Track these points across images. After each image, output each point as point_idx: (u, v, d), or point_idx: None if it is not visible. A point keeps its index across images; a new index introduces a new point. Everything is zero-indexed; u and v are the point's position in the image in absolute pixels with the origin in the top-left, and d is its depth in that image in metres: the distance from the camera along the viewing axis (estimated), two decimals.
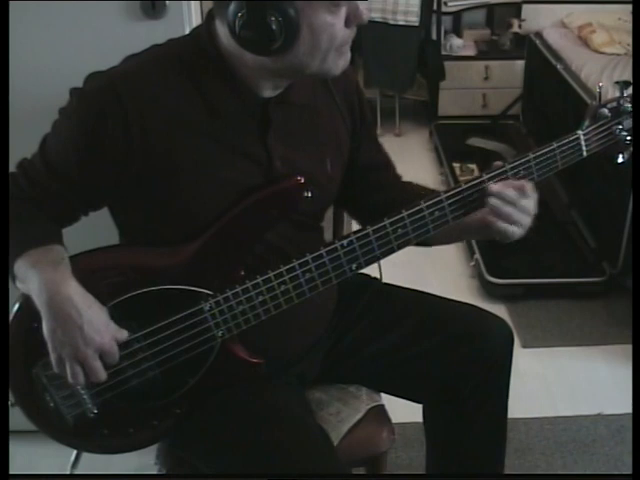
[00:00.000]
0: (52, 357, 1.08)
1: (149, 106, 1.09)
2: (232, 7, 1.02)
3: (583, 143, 1.22)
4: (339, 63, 1.11)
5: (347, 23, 1.07)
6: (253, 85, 1.12)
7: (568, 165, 1.22)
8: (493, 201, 1.15)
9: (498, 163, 1.19)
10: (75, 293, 1.06)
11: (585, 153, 1.23)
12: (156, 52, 1.14)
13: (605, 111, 1.23)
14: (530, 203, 1.18)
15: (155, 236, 1.17)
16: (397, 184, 1.41)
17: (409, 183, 1.41)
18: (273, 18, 1.00)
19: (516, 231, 1.18)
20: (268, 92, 1.14)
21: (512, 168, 1.18)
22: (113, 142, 1.08)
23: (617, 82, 1.26)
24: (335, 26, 1.05)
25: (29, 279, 1.08)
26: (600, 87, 1.28)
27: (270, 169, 1.16)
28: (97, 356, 1.08)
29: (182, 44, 1.15)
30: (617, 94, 1.25)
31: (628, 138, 1.24)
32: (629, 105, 1.23)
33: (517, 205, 1.16)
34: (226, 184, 1.13)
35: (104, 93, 1.09)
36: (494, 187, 1.16)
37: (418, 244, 1.22)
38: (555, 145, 1.20)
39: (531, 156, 1.19)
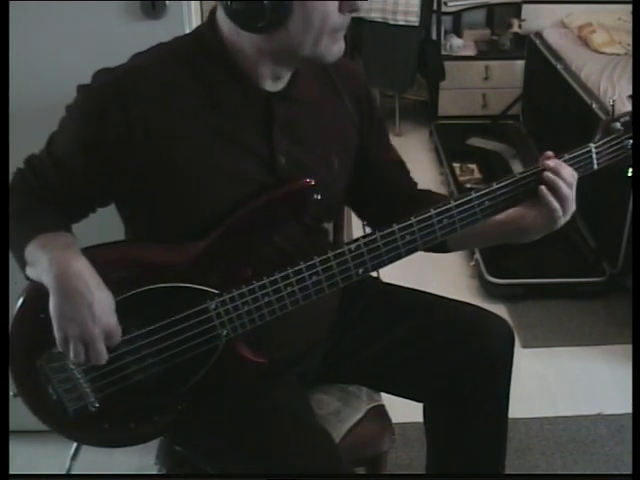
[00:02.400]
0: (57, 335, 1.07)
1: (153, 103, 1.09)
2: None
3: (594, 156, 1.21)
4: (333, 48, 1.10)
5: (341, 8, 1.07)
6: (254, 77, 1.12)
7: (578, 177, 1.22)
8: (551, 177, 1.16)
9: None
10: (86, 270, 1.06)
11: (596, 166, 1.22)
12: (161, 50, 1.15)
13: (617, 125, 1.22)
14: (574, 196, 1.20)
15: (160, 233, 1.17)
16: (412, 186, 1.39)
17: (428, 191, 1.38)
18: None
19: (561, 220, 1.21)
20: (270, 85, 1.14)
21: (522, 178, 1.17)
22: (117, 138, 1.09)
23: (630, 96, 1.26)
24: (328, 9, 1.05)
25: (39, 260, 1.08)
26: (614, 101, 1.28)
27: (273, 164, 1.16)
28: (103, 337, 1.07)
29: (186, 41, 1.16)
30: (627, 105, 1.24)
31: None
32: None
33: (571, 190, 1.18)
34: (229, 179, 1.13)
35: (109, 89, 1.10)
36: (552, 163, 1.17)
37: (434, 250, 1.22)
38: (567, 157, 1.19)
39: (541, 167, 1.18)
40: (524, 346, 2.44)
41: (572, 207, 1.21)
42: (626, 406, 2.09)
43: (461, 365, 1.34)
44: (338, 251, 1.13)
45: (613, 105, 1.27)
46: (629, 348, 2.30)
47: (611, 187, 2.64)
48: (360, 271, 1.15)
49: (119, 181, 1.12)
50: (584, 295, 2.71)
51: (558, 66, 3.39)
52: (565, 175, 1.17)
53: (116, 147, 1.09)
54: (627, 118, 1.23)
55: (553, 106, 3.50)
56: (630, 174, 1.27)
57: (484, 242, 1.32)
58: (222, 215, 1.13)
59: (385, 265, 1.16)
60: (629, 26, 3.59)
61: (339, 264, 1.13)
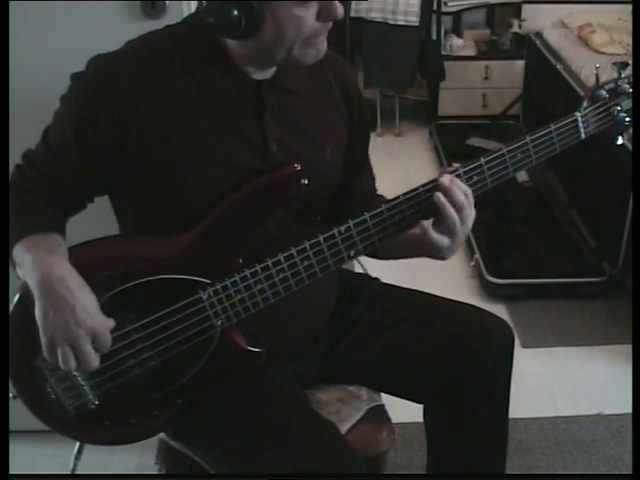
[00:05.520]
0: (42, 340, 1.07)
1: (144, 87, 1.11)
2: None
3: (581, 125, 1.22)
4: (309, 53, 1.11)
5: (319, 17, 1.08)
6: (242, 66, 1.14)
7: (566, 147, 1.22)
8: (441, 198, 1.13)
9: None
10: (68, 275, 1.07)
11: (583, 135, 1.22)
12: (153, 37, 1.17)
13: (603, 92, 1.23)
14: (472, 215, 1.15)
15: (153, 223, 1.17)
16: (374, 193, 1.41)
17: (382, 197, 1.39)
18: (233, 7, 1.03)
19: (448, 247, 1.15)
20: (258, 74, 1.15)
21: (509, 151, 1.18)
22: (109, 122, 1.10)
23: (614, 63, 1.26)
24: (303, 19, 1.06)
25: (24, 263, 1.09)
26: (598, 68, 1.28)
27: (266, 151, 1.17)
28: (89, 340, 1.08)
29: (177, 28, 1.18)
30: (613, 73, 1.25)
31: (627, 119, 1.24)
32: (627, 86, 1.23)
33: (462, 212, 1.13)
34: (222, 164, 1.14)
35: (102, 74, 1.11)
36: (446, 181, 1.13)
37: (368, 255, 1.21)
38: (552, 127, 1.20)
39: (528, 139, 1.18)
40: (524, 346, 2.44)
41: (466, 230, 1.15)
42: (626, 406, 2.08)
43: (461, 365, 1.34)
44: (328, 234, 1.14)
45: (597, 73, 1.27)
46: (629, 348, 2.30)
47: (611, 187, 2.65)
48: (352, 253, 1.15)
49: (114, 166, 1.13)
50: (584, 295, 2.71)
51: (558, 66, 3.39)
52: (455, 197, 1.12)
53: (108, 131, 1.10)
54: (612, 85, 1.23)
55: (553, 106, 3.50)
56: (620, 142, 1.27)
57: (403, 254, 1.30)
58: (214, 200, 1.14)
59: (375, 246, 1.16)
60: (629, 26, 3.59)
61: (330, 247, 1.14)
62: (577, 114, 1.22)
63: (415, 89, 4.13)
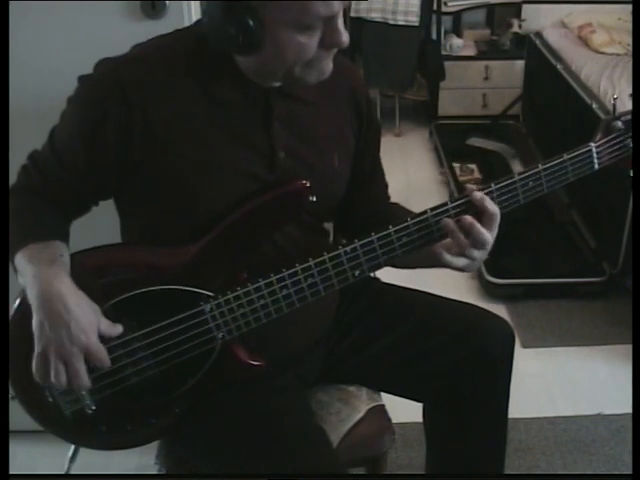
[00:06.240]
0: (36, 352, 1.07)
1: (152, 92, 1.10)
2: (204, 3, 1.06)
3: (595, 155, 1.19)
4: (312, 74, 1.11)
5: (322, 44, 1.06)
6: (249, 75, 1.13)
7: (579, 177, 1.19)
8: (450, 225, 1.12)
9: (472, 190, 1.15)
10: (66, 290, 1.06)
11: (597, 166, 1.20)
12: (162, 41, 1.16)
13: (619, 124, 1.20)
14: (487, 236, 1.13)
15: (158, 234, 1.17)
16: (387, 199, 1.41)
17: (397, 204, 1.39)
18: (232, 25, 1.02)
19: (467, 265, 1.15)
20: (266, 83, 1.14)
21: (521, 180, 1.16)
22: (115, 125, 1.09)
23: (631, 95, 1.24)
24: (305, 45, 1.05)
25: (25, 273, 1.09)
26: (615, 99, 1.26)
27: (273, 159, 1.16)
28: (82, 357, 1.07)
29: (185, 34, 1.17)
30: (628, 104, 1.23)
31: None
32: None
33: (471, 235, 1.12)
34: (228, 171, 1.13)
35: (109, 77, 1.11)
36: (479, 194, 1.13)
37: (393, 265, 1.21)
38: (566, 157, 1.18)
39: (540, 167, 1.16)
40: (524, 346, 2.44)
41: (486, 251, 1.15)
42: (626, 406, 2.08)
43: (461, 365, 1.34)
44: (334, 253, 1.13)
45: (614, 103, 1.26)
46: (629, 348, 2.30)
47: (611, 187, 2.65)
48: (356, 273, 1.14)
49: (119, 171, 1.13)
50: (584, 295, 2.71)
51: (558, 66, 3.39)
52: (489, 206, 1.14)
53: (116, 135, 1.10)
54: (628, 117, 1.21)
55: (553, 106, 3.50)
56: (632, 174, 1.25)
57: (421, 265, 1.28)
58: (220, 212, 1.13)
59: (381, 267, 1.16)
60: (629, 26, 3.59)
61: (335, 266, 1.13)
62: (592, 144, 1.19)
63: (415, 89, 4.13)
